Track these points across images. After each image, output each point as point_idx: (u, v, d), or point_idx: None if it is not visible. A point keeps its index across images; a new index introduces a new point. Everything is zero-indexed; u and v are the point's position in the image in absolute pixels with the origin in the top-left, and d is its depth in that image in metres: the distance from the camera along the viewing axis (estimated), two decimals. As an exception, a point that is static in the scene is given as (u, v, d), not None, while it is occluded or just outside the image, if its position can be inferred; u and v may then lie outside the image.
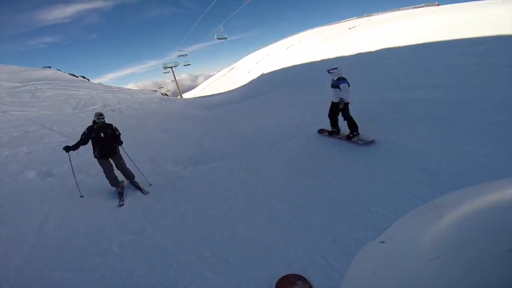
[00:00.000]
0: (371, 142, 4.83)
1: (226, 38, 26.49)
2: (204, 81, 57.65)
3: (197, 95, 35.11)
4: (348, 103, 5.04)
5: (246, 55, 55.07)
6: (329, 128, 5.67)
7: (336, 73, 5.10)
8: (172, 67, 38.65)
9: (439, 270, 0.34)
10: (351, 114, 5.12)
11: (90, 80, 23.13)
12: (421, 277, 0.35)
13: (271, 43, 48.91)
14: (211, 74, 67.49)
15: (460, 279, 0.31)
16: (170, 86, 45.02)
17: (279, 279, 2.37)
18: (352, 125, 5.09)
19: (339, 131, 5.51)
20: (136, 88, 26.82)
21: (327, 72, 5.28)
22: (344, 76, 5.08)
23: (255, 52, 52.33)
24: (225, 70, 52.62)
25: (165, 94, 26.62)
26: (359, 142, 4.96)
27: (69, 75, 21.11)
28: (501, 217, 0.35)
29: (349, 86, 4.98)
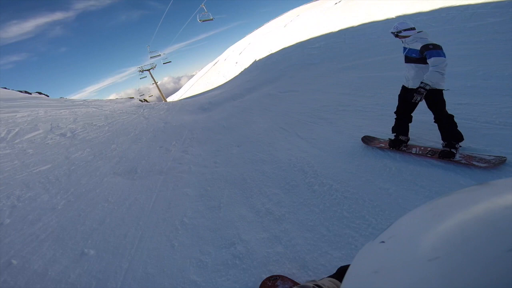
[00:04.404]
0: (500, 162, 2.50)
1: (212, 20, 21.08)
2: (188, 81, 53.18)
3: (183, 97, 30.98)
4: (441, 91, 2.80)
5: (229, 47, 51.61)
6: (386, 135, 3.61)
7: (414, 37, 2.90)
8: (150, 69, 34.17)
9: (439, 270, 0.33)
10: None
11: (49, 96, 18.89)
12: (421, 277, 0.35)
13: (256, 29, 46.03)
14: (194, 73, 63.22)
15: (460, 279, 0.31)
16: (154, 92, 40.51)
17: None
18: (451, 132, 2.85)
19: (408, 140, 3.32)
20: (117, 98, 22.45)
21: (393, 36, 3.12)
22: (434, 42, 2.75)
23: (238, 43, 48.94)
24: (210, 65, 48.48)
25: (144, 100, 22.33)
26: (475, 163, 2.59)
27: (18, 92, 16.73)
28: (501, 217, 0.35)
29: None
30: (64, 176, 5.29)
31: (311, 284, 0.89)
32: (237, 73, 23.67)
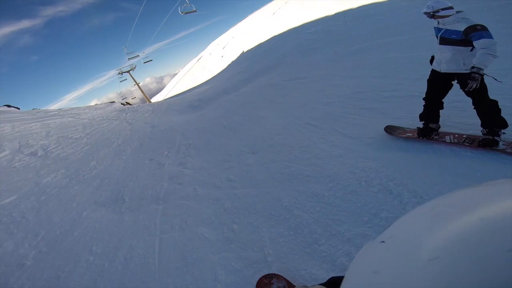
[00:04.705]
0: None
1: (195, 11, 19.11)
2: (171, 80, 51.17)
3: (168, 96, 29.43)
4: (482, 76, 2.45)
5: (212, 42, 50.03)
6: (412, 123, 3.28)
7: (455, 17, 2.58)
8: (129, 71, 32.23)
9: (439, 270, 0.33)
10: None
11: (20, 109, 17.11)
12: (421, 277, 0.34)
13: (239, 22, 44.86)
14: (176, 72, 61.16)
15: (460, 279, 0.31)
16: (137, 93, 38.57)
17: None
18: (495, 118, 2.59)
19: (439, 128, 3.01)
20: (97, 104, 20.72)
21: (427, 16, 2.76)
22: (480, 23, 2.43)
23: (221, 37, 47.49)
24: (193, 61, 46.61)
25: (126, 103, 20.77)
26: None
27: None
28: (501, 217, 0.35)
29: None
30: (32, 211, 4.13)
31: None
32: (224, 67, 22.37)
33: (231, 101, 7.90)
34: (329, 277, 1.27)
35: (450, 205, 0.44)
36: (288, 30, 14.66)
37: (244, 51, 21.09)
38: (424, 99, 3.03)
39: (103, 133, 8.41)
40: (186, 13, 18.97)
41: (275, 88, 6.89)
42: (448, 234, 0.37)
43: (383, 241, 0.47)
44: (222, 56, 29.07)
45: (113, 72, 32.59)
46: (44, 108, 16.38)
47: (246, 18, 42.88)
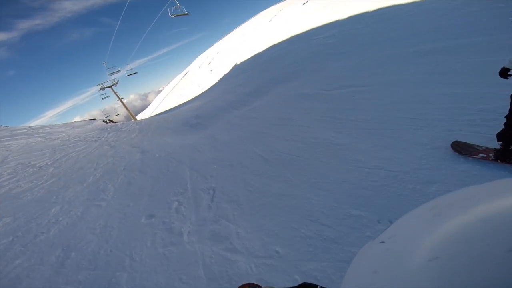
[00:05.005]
0: None
1: (188, 14, 17.07)
2: (156, 96, 49.19)
3: (154, 113, 27.51)
4: None
5: (197, 57, 49.22)
6: (485, 142, 2.80)
7: None
8: (111, 86, 30.13)
9: (439, 270, 0.33)
10: None
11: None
12: (421, 277, 0.34)
13: (223, 37, 44.55)
14: (161, 89, 59.50)
15: (460, 279, 0.31)
16: (121, 110, 36.35)
17: None
18: None
19: None
20: (77, 121, 18.41)
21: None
22: None
23: (207, 51, 46.87)
24: (179, 77, 45.11)
25: (109, 121, 18.74)
26: None
27: None
28: (501, 217, 0.35)
29: None
30: None
31: None
32: (215, 81, 20.95)
33: (247, 117, 6.26)
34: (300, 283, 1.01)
35: (450, 205, 0.43)
36: (292, 37, 13.44)
37: (238, 63, 19.86)
38: (506, 117, 2.54)
39: (76, 160, 6.53)
40: (177, 16, 17.04)
41: (317, 99, 5.21)
42: (448, 235, 0.37)
43: (383, 241, 0.46)
44: (212, 70, 27.81)
45: (95, 88, 30.40)
46: (16, 126, 14.08)
47: (233, 32, 42.49)
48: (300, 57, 9.02)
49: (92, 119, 19.55)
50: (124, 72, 31.58)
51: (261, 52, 16.04)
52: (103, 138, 9.14)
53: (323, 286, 0.94)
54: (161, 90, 52.01)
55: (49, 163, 6.60)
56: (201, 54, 49.31)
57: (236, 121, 6.24)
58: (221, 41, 46.34)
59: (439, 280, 0.32)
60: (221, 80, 19.39)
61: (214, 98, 11.68)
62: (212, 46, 47.56)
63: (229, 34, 44.46)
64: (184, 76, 41.63)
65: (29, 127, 13.65)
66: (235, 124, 6.03)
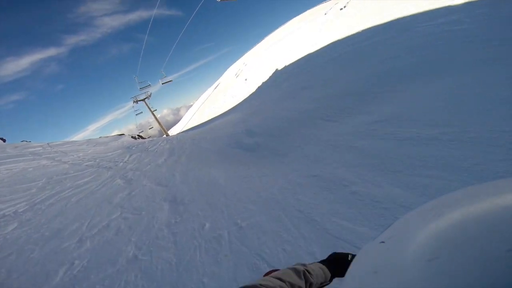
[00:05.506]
0: None
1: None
2: (188, 110, 48.45)
3: (185, 128, 25.69)
4: None
5: (227, 69, 48.29)
6: None
7: None
8: (145, 98, 29.15)
9: (439, 270, 0.33)
10: None
11: (6, 141, 13.46)
12: (421, 277, 0.34)
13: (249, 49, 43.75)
14: (191, 103, 59.56)
15: (460, 279, 0.31)
16: (155, 124, 35.85)
17: None
18: None
19: None
20: (101, 137, 16.89)
21: None
22: None
23: (235, 64, 45.82)
24: (210, 89, 43.93)
25: (138, 136, 16.87)
26: None
27: None
28: (501, 217, 0.35)
29: None
30: None
31: (301, 268, 0.80)
32: (251, 91, 18.50)
33: (372, 135, 3.35)
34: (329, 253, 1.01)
35: (450, 205, 0.43)
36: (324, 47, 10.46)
37: (278, 68, 17.26)
38: None
39: (62, 210, 3.98)
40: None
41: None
42: (447, 235, 0.36)
43: (383, 242, 0.46)
44: (246, 79, 25.62)
45: (131, 103, 29.77)
46: (54, 142, 12.47)
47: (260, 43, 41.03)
48: (361, 77, 6.00)
49: (120, 135, 17.91)
50: (158, 82, 30.83)
51: (299, 59, 13.18)
52: (121, 164, 6.68)
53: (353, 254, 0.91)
54: (192, 105, 51.38)
55: (24, 209, 4.14)
56: (231, 66, 48.29)
57: (348, 142, 3.31)
58: (251, 51, 45.24)
59: (439, 280, 0.31)
60: (259, 88, 16.87)
61: (267, 107, 8.87)
62: (241, 57, 46.56)
63: (264, 38, 43.40)
64: (215, 88, 40.28)
65: (47, 143, 11.91)
66: (351, 148, 3.09)
